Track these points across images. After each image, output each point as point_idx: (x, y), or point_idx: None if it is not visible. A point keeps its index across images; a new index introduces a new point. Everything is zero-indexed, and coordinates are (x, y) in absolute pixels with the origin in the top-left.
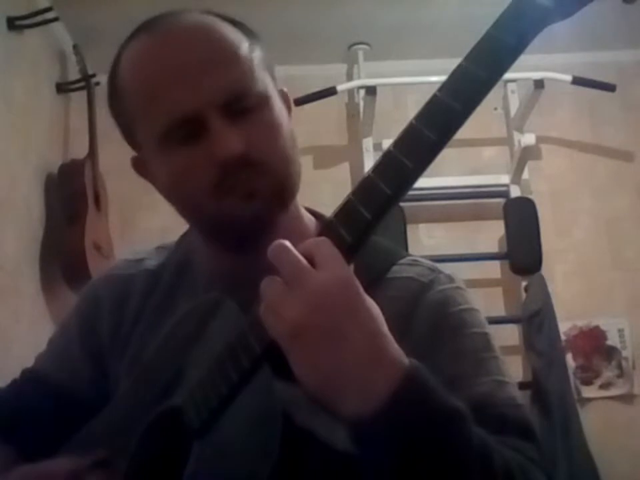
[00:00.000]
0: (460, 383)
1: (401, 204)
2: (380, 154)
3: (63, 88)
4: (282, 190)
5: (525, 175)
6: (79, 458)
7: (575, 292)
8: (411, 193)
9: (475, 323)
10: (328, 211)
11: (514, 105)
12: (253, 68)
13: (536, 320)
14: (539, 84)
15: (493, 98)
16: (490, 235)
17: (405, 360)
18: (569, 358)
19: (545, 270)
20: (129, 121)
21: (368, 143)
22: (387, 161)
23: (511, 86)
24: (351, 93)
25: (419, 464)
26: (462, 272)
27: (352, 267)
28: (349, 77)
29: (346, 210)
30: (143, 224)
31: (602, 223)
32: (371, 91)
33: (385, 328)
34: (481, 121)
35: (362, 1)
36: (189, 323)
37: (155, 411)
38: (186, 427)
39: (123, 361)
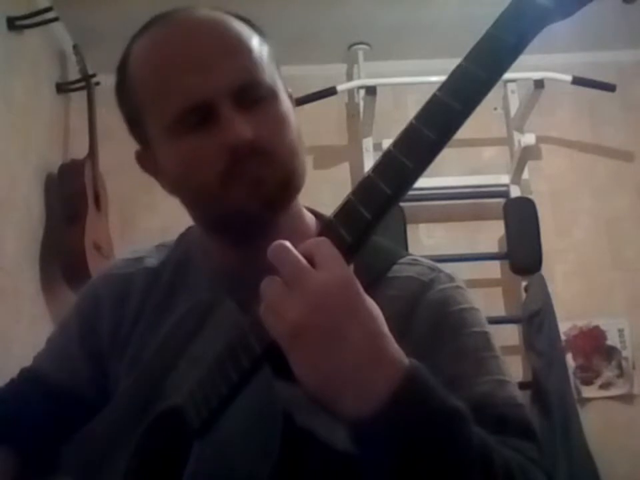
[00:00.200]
0: (460, 382)
1: (401, 204)
2: (380, 154)
3: (62, 88)
4: (288, 181)
5: (525, 175)
6: None
7: (575, 292)
8: (410, 192)
9: (475, 322)
10: (328, 210)
11: (514, 105)
12: (263, 60)
13: (536, 320)
14: (539, 84)
15: (492, 98)
16: (490, 235)
17: (405, 360)
18: (569, 358)
19: (545, 270)
20: (138, 110)
21: (368, 142)
22: (387, 161)
23: (510, 86)
24: (350, 92)
25: (419, 464)
26: (462, 272)
27: (352, 266)
28: (349, 77)
29: (346, 210)
30: (143, 224)
31: (602, 223)
32: (370, 90)
33: (385, 328)
34: (481, 121)
35: (362, 1)
36: (188, 322)
37: (155, 410)
38: (186, 427)
39: (123, 361)
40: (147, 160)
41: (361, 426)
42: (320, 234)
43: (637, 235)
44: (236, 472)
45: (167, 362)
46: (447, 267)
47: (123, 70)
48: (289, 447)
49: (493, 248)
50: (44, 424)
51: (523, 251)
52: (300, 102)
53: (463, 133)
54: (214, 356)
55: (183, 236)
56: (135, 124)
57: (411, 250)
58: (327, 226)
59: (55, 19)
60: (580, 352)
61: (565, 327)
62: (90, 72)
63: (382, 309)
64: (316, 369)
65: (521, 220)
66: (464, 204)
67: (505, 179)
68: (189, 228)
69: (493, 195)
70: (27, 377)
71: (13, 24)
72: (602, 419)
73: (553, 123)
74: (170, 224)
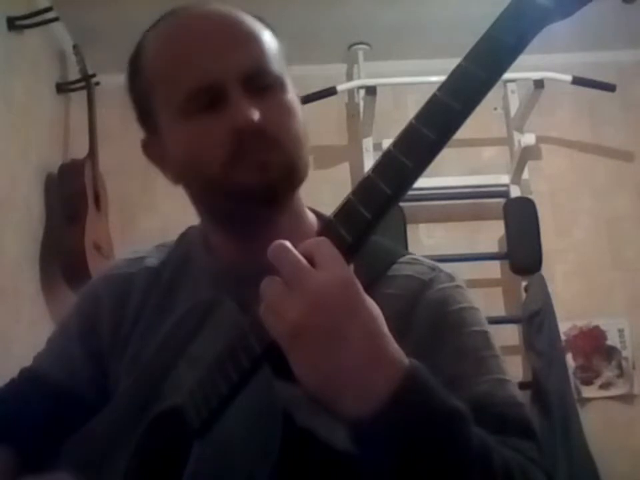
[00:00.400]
0: (460, 382)
1: (401, 204)
2: (380, 154)
3: (63, 88)
4: (292, 169)
5: (525, 174)
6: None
7: (575, 292)
8: (410, 192)
9: (475, 321)
10: (328, 210)
11: (514, 105)
12: (272, 52)
13: (536, 320)
14: (539, 84)
15: (492, 98)
16: (490, 235)
17: (405, 360)
18: (569, 358)
19: (545, 270)
20: (149, 96)
21: (368, 142)
22: (387, 161)
23: (510, 86)
24: (351, 92)
25: (419, 464)
26: (462, 272)
27: (352, 266)
28: (349, 77)
29: (346, 210)
30: (143, 224)
31: (602, 222)
32: (370, 91)
33: (384, 328)
34: (481, 121)
35: (362, 1)
36: (188, 322)
37: (155, 410)
38: (186, 427)
39: (123, 361)
40: (153, 148)
41: (360, 426)
42: (320, 234)
43: (637, 235)
44: (236, 472)
45: (167, 362)
46: (447, 267)
47: (135, 59)
48: (289, 447)
49: (493, 248)
50: (44, 424)
51: (523, 251)
52: (300, 102)
53: (462, 132)
54: (214, 356)
55: (183, 236)
56: (145, 111)
57: (410, 250)
58: (326, 226)
59: (55, 19)
60: (580, 352)
61: (564, 326)
62: (90, 72)
63: (381, 307)
64: (316, 369)
65: (521, 220)
66: (464, 204)
67: (504, 178)
68: (190, 228)
69: (492, 195)
70: (27, 377)
71: (13, 24)
72: (602, 419)
73: (553, 123)
74: (170, 224)
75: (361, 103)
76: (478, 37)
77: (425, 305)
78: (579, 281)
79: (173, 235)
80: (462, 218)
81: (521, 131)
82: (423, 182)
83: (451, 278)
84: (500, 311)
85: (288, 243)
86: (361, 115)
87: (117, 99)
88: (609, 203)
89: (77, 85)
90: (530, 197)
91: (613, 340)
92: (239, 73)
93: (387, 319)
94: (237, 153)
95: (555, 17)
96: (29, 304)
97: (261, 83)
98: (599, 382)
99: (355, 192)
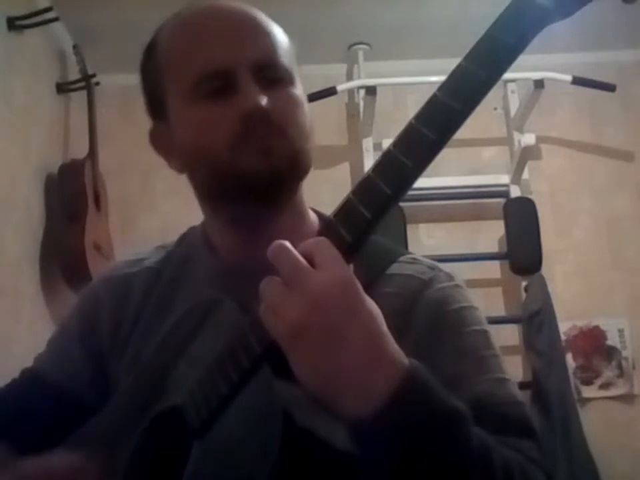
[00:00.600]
0: (460, 381)
1: (401, 204)
2: (380, 154)
3: (63, 88)
4: (296, 158)
5: (525, 175)
6: (79, 456)
7: (575, 292)
8: (410, 192)
9: (475, 320)
10: (328, 211)
11: (514, 105)
12: (284, 46)
13: (536, 320)
14: (539, 84)
15: (492, 98)
16: (490, 235)
17: (405, 360)
18: (569, 358)
19: (545, 270)
20: (160, 81)
21: (368, 142)
22: (387, 161)
23: (510, 86)
24: (351, 93)
25: (419, 464)
26: (462, 272)
27: (352, 266)
28: (349, 77)
29: (346, 210)
30: (143, 224)
31: (602, 222)
32: (370, 91)
33: (384, 328)
34: (481, 121)
35: (362, 1)
36: (188, 322)
37: (155, 410)
38: (186, 427)
39: (123, 360)
40: (160, 136)
41: (361, 426)
42: (320, 234)
43: (637, 235)
44: (236, 472)
45: (167, 361)
46: (447, 267)
47: (150, 47)
48: (289, 447)
49: (493, 248)
50: (44, 424)
51: (523, 251)
52: None
53: (462, 132)
54: (214, 356)
55: (184, 236)
56: (155, 97)
57: (410, 250)
58: (326, 226)
59: (55, 19)
60: (580, 352)
61: (564, 326)
62: (90, 72)
63: (381, 307)
64: (316, 369)
65: (521, 220)
66: (464, 204)
67: (504, 179)
68: (191, 228)
69: (492, 195)
70: (28, 378)
71: (13, 24)
72: (602, 419)
73: (553, 123)
74: (170, 224)
75: (361, 103)
76: (478, 37)
77: (424, 304)
78: (579, 281)
79: (173, 235)
80: (462, 218)
81: (520, 131)
82: (423, 182)
83: (450, 277)
84: (500, 311)
85: (287, 243)
86: (361, 114)
87: (116, 99)
88: (609, 203)
89: (77, 84)
90: (530, 196)
91: (613, 340)
92: (250, 62)
93: (386, 318)
94: (243, 137)
95: (555, 16)
96: (28, 304)
97: (271, 74)
98: (599, 382)
99: (355, 192)
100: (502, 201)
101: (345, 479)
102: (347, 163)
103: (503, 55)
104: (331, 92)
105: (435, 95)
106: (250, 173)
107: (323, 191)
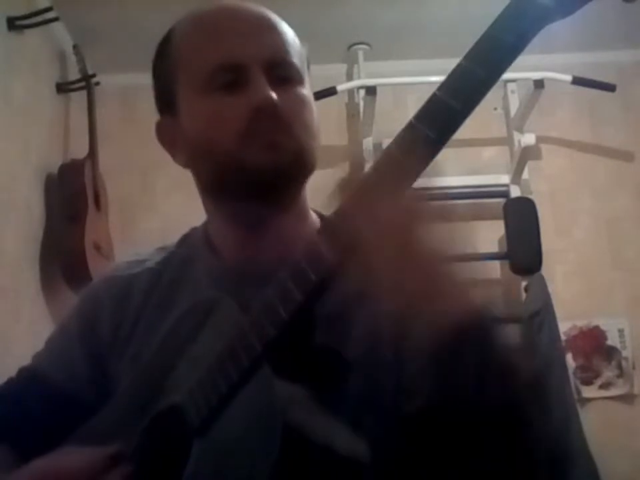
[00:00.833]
0: None
1: None
2: (380, 154)
3: (63, 88)
4: (301, 156)
5: (525, 175)
6: (94, 452)
7: (575, 292)
8: None
9: None
10: (328, 210)
11: (514, 105)
12: (296, 47)
13: (536, 320)
14: (539, 84)
15: (492, 98)
16: (490, 235)
17: None
18: (569, 358)
19: (545, 270)
20: (172, 73)
21: (368, 143)
22: (388, 160)
23: (510, 86)
24: (351, 93)
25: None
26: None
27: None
28: (349, 77)
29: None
30: (143, 224)
31: (602, 222)
32: (371, 91)
33: None
34: (481, 121)
35: (362, 1)
36: (188, 321)
37: (155, 409)
38: (186, 426)
39: (123, 361)
40: (167, 129)
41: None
42: (320, 234)
43: (637, 235)
44: (236, 472)
45: (167, 361)
46: None
47: (164, 41)
48: (289, 447)
49: (493, 248)
50: (42, 423)
51: (523, 251)
52: None
53: (462, 132)
54: (214, 355)
55: (185, 237)
56: (166, 90)
57: None
58: (327, 225)
59: (55, 19)
60: (580, 352)
61: (564, 326)
62: (90, 72)
63: None
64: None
65: (521, 220)
66: (464, 204)
67: (504, 179)
68: (192, 229)
69: (492, 195)
70: (26, 376)
71: (13, 24)
72: (602, 419)
73: (553, 122)
74: (170, 224)
75: (361, 103)
76: (478, 37)
77: None
78: (579, 281)
79: (172, 235)
80: (462, 218)
81: (521, 131)
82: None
83: None
84: (500, 311)
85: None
86: (361, 115)
87: (116, 99)
88: (609, 203)
89: (77, 85)
90: (530, 196)
91: (613, 340)
92: (262, 59)
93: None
94: (250, 131)
95: (556, 16)
96: (28, 304)
97: (282, 73)
98: (599, 382)
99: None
100: (502, 201)
101: (344, 479)
102: (347, 163)
103: (503, 54)
104: (331, 92)
105: (434, 95)
106: (254, 166)
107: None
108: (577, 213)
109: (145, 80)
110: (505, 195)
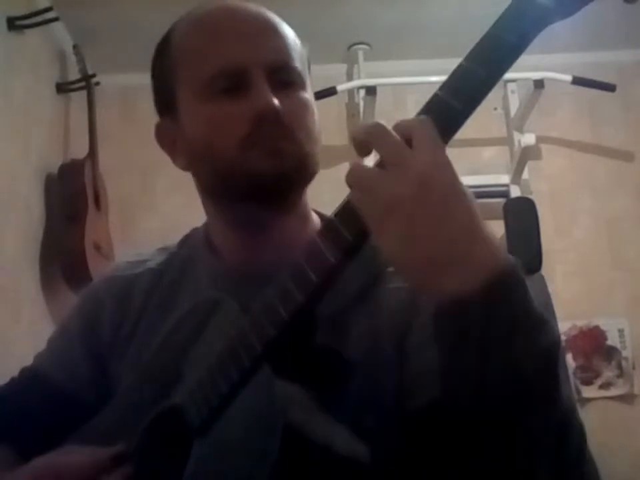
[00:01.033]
0: None
1: None
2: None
3: (63, 88)
4: (304, 162)
5: (525, 174)
6: (95, 452)
7: (575, 292)
8: None
9: None
10: (328, 211)
11: (514, 105)
12: (298, 51)
13: None
14: (539, 84)
15: (492, 98)
16: None
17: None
18: (569, 358)
19: (545, 270)
20: (172, 76)
21: None
22: None
23: (510, 86)
24: (351, 93)
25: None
26: None
27: (352, 265)
28: (349, 77)
29: (346, 209)
30: (143, 224)
31: (602, 222)
32: (371, 91)
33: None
34: (481, 121)
35: (362, 0)
36: (189, 322)
37: (155, 410)
38: (186, 426)
39: (124, 361)
40: (167, 132)
41: (465, 302)
42: (320, 233)
43: (637, 235)
44: (236, 472)
45: (168, 362)
46: None
47: (163, 42)
48: (289, 447)
49: None
50: (44, 423)
51: (523, 251)
52: None
53: (463, 132)
54: (214, 355)
55: (187, 237)
56: (166, 92)
57: None
58: (327, 226)
59: (55, 19)
60: (580, 352)
61: (564, 326)
62: (90, 72)
63: (387, 301)
64: (418, 245)
65: (521, 220)
66: None
67: (504, 178)
68: (194, 229)
69: (492, 194)
70: (28, 377)
71: (13, 24)
72: (602, 419)
73: (553, 122)
74: (170, 224)
75: (361, 103)
76: (478, 37)
77: None
78: (579, 281)
79: (172, 235)
80: None
81: (520, 131)
82: None
83: None
84: None
85: (387, 125)
86: (361, 115)
87: (116, 99)
88: (609, 203)
89: (77, 85)
90: (530, 196)
91: (613, 340)
92: (265, 63)
93: (393, 310)
94: (253, 137)
95: (556, 16)
96: (28, 304)
97: (284, 77)
98: (598, 382)
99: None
100: (502, 200)
101: (344, 479)
102: (347, 163)
103: (504, 54)
104: (331, 92)
105: (436, 95)
106: (257, 172)
107: (323, 191)
108: (576, 212)
109: (144, 80)
110: (505, 194)
